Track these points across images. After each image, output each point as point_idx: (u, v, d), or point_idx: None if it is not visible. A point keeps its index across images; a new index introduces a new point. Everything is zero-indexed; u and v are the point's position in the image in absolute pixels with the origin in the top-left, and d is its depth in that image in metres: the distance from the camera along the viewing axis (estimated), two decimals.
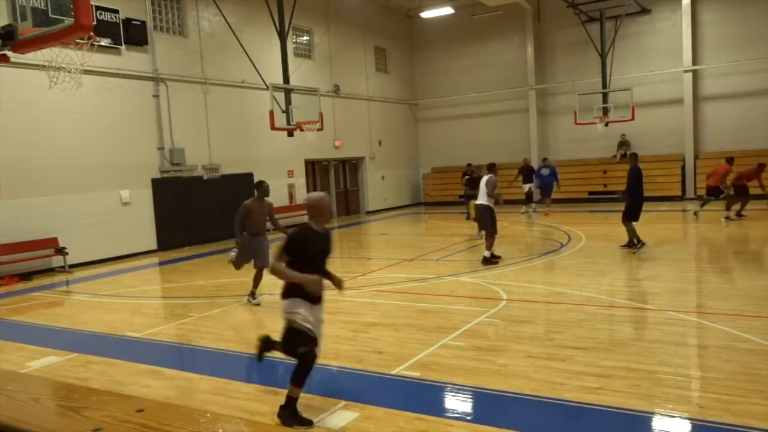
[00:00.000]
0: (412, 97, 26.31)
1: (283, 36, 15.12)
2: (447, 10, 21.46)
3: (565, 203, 21.24)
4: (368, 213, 23.24)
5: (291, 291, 4.44)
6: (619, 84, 20.74)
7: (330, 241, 4.77)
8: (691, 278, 9.09)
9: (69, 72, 7.31)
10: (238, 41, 15.17)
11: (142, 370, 5.91)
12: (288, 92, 14.58)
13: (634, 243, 11.18)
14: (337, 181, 22.54)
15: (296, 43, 19.98)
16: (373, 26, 23.60)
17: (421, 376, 5.23)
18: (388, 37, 24.69)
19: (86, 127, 13.50)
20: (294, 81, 15.83)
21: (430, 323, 7.03)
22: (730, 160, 14.90)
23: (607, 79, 20.78)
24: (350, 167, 23.17)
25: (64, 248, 12.70)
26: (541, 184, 19.28)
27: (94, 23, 8.99)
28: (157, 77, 15.11)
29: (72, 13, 4.84)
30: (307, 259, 4.42)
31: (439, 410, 4.59)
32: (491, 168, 11.04)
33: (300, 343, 4.39)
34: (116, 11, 13.94)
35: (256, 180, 9.49)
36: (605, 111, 20.44)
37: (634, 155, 11.67)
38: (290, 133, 15.60)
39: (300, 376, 4.36)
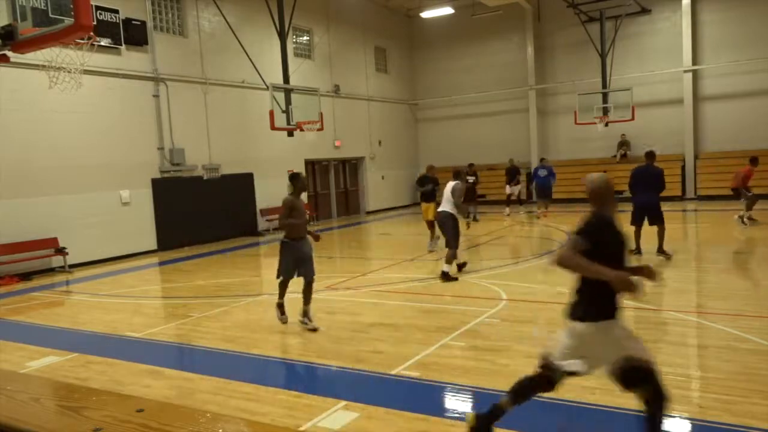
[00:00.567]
0: (412, 97, 26.30)
1: (283, 36, 15.12)
2: (447, 10, 21.46)
3: (565, 203, 21.23)
4: (368, 213, 23.23)
5: (594, 304, 3.48)
6: (619, 84, 20.74)
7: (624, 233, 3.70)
8: (691, 278, 9.09)
9: (69, 72, 7.31)
10: (238, 41, 15.17)
11: (142, 370, 5.91)
12: (288, 92, 14.58)
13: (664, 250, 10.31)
14: (337, 181, 22.54)
15: (296, 43, 19.98)
16: (373, 26, 23.60)
17: (421, 376, 5.23)
18: (388, 37, 24.69)
19: (86, 127, 13.50)
20: (294, 81, 15.82)
21: (430, 323, 7.03)
22: (753, 161, 13.97)
23: (607, 79, 20.78)
24: (350, 167, 23.16)
25: (64, 248, 12.70)
26: (539, 186, 18.70)
27: (94, 23, 8.99)
28: (157, 77, 15.11)
29: (72, 13, 4.84)
30: (607, 251, 3.44)
31: (439, 410, 4.59)
32: (457, 174, 10.15)
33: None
34: (116, 11, 13.94)
35: (289, 174, 7.70)
36: (605, 111, 20.43)
37: (648, 153, 10.71)
38: (290, 133, 15.59)
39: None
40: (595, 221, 3.53)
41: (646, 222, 10.41)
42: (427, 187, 13.68)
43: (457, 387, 4.93)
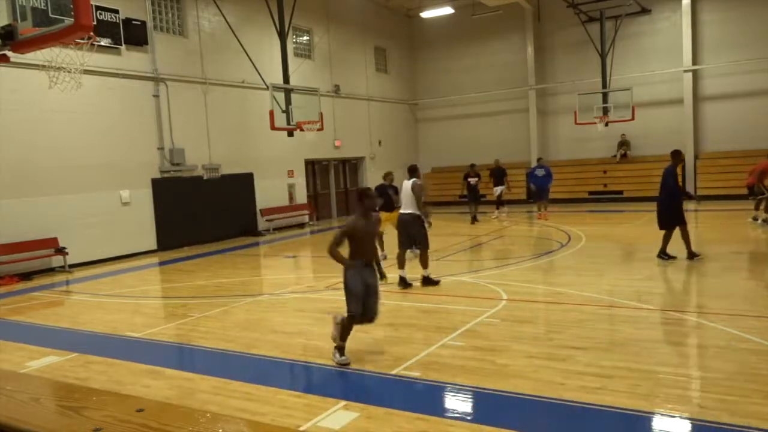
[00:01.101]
0: (412, 97, 26.31)
1: (283, 36, 15.12)
2: (447, 10, 21.46)
3: (564, 203, 21.23)
4: None
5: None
6: (619, 84, 20.74)
7: None
8: (691, 278, 9.08)
9: (69, 72, 7.31)
10: (238, 41, 15.17)
11: (142, 370, 5.91)
12: (288, 92, 14.58)
13: (693, 253, 9.75)
14: (337, 181, 22.54)
15: (296, 43, 19.98)
16: (373, 26, 23.60)
17: (421, 376, 5.23)
18: (388, 37, 24.69)
19: (86, 127, 13.50)
20: (294, 81, 15.83)
21: (430, 323, 7.03)
22: None
23: (607, 79, 20.78)
24: (350, 167, 23.16)
25: (64, 248, 12.70)
26: (536, 187, 18.04)
27: (94, 23, 8.98)
28: (157, 77, 15.11)
29: (72, 13, 4.84)
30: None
31: (439, 410, 4.59)
32: (413, 171, 9.30)
33: None
34: (116, 11, 13.94)
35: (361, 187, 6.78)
36: (605, 111, 20.43)
37: (674, 152, 10.05)
38: (290, 133, 15.60)
39: None
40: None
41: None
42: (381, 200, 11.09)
43: (457, 387, 4.93)
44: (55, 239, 12.74)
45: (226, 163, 16.98)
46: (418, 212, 8.86)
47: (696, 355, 5.67)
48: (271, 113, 13.96)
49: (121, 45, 14.13)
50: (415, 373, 5.29)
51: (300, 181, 19.99)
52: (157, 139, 15.19)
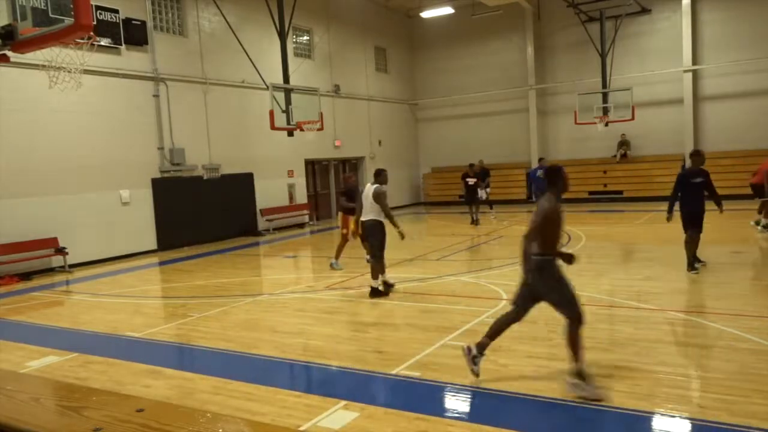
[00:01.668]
0: (412, 97, 26.31)
1: (283, 36, 15.12)
2: (447, 10, 21.46)
3: (564, 203, 21.18)
4: None
5: None
6: (619, 84, 20.75)
7: None
8: (691, 278, 9.08)
9: (69, 72, 7.31)
10: (238, 41, 15.17)
11: (142, 370, 5.91)
12: (288, 92, 14.58)
13: (693, 261, 9.29)
14: (337, 181, 22.53)
15: (296, 42, 19.98)
16: (373, 26, 23.60)
17: (421, 376, 5.23)
18: (388, 37, 24.69)
19: (86, 127, 13.50)
20: (294, 81, 15.83)
21: (430, 323, 7.03)
22: None
23: (607, 79, 20.78)
24: (350, 167, 23.16)
25: (64, 248, 12.70)
26: (537, 188, 16.89)
27: (94, 23, 8.98)
28: (157, 77, 15.11)
29: (72, 13, 4.84)
30: None
31: (439, 410, 4.59)
32: (377, 175, 8.74)
33: None
34: (116, 11, 13.94)
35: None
36: (605, 111, 20.43)
37: (695, 152, 9.69)
38: (290, 133, 15.60)
39: None
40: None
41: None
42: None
43: (457, 387, 4.93)
44: (55, 239, 12.74)
45: (226, 163, 16.98)
46: (379, 218, 8.41)
47: (696, 355, 5.67)
48: (271, 113, 13.96)
49: (121, 45, 14.13)
50: (415, 373, 5.29)
51: (300, 181, 19.99)
52: (157, 139, 15.19)
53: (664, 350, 5.59)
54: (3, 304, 9.89)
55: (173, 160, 15.42)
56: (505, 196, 23.09)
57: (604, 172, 22.23)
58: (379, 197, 8.34)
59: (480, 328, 6.65)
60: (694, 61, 20.74)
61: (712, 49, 20.56)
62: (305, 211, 19.94)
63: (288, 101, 14.45)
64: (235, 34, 15.23)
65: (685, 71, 20.81)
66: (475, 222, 17.39)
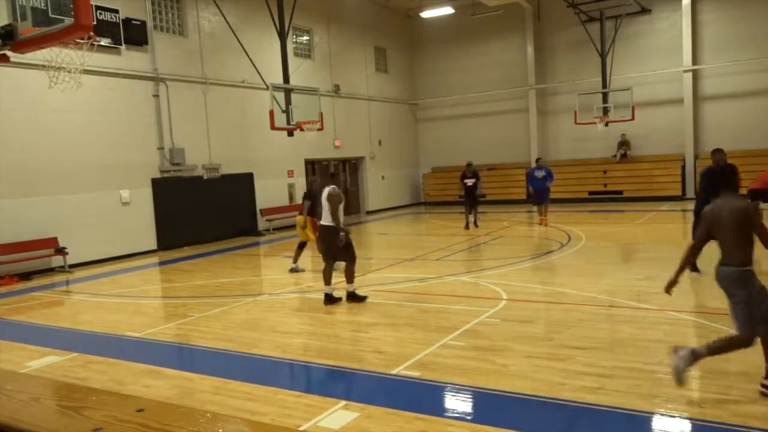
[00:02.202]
0: (412, 97, 26.31)
1: (283, 36, 15.12)
2: (447, 10, 21.46)
3: (564, 203, 21.23)
4: (368, 213, 23.24)
5: None
6: (619, 84, 20.75)
7: None
8: (691, 278, 9.08)
9: (69, 72, 7.31)
10: (238, 41, 15.17)
11: (142, 370, 5.91)
12: (288, 92, 14.58)
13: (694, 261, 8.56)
14: (337, 181, 22.55)
15: (296, 42, 19.98)
16: (373, 26, 23.60)
17: (421, 376, 5.23)
18: (388, 37, 24.69)
19: (86, 127, 13.50)
20: (294, 81, 15.83)
21: (430, 323, 7.03)
22: None
23: (607, 79, 20.78)
24: (350, 167, 23.17)
25: (64, 248, 12.70)
26: (536, 189, 16.36)
27: (94, 23, 8.99)
28: (157, 77, 15.11)
29: (72, 12, 4.84)
30: None
31: (439, 410, 4.59)
32: (332, 177, 8.23)
33: None
34: (116, 11, 13.94)
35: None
36: (605, 111, 20.43)
37: (716, 151, 9.35)
38: (290, 133, 15.60)
39: None
40: None
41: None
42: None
43: (457, 387, 4.93)
44: (55, 239, 12.74)
45: (226, 162, 16.98)
46: (333, 224, 8.00)
47: None
48: (271, 113, 13.95)
49: (121, 45, 14.13)
50: (415, 373, 5.29)
51: (300, 182, 19.98)
52: (157, 139, 15.19)
53: (664, 350, 5.59)
54: (3, 304, 9.89)
55: (173, 160, 15.42)
56: (505, 196, 23.12)
57: (604, 172, 22.24)
58: (330, 199, 7.95)
59: (480, 328, 6.66)
60: (694, 61, 20.74)
61: (712, 49, 20.57)
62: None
63: (288, 101, 14.45)
64: (235, 34, 15.23)
65: (685, 71, 20.81)
66: (469, 226, 16.15)
